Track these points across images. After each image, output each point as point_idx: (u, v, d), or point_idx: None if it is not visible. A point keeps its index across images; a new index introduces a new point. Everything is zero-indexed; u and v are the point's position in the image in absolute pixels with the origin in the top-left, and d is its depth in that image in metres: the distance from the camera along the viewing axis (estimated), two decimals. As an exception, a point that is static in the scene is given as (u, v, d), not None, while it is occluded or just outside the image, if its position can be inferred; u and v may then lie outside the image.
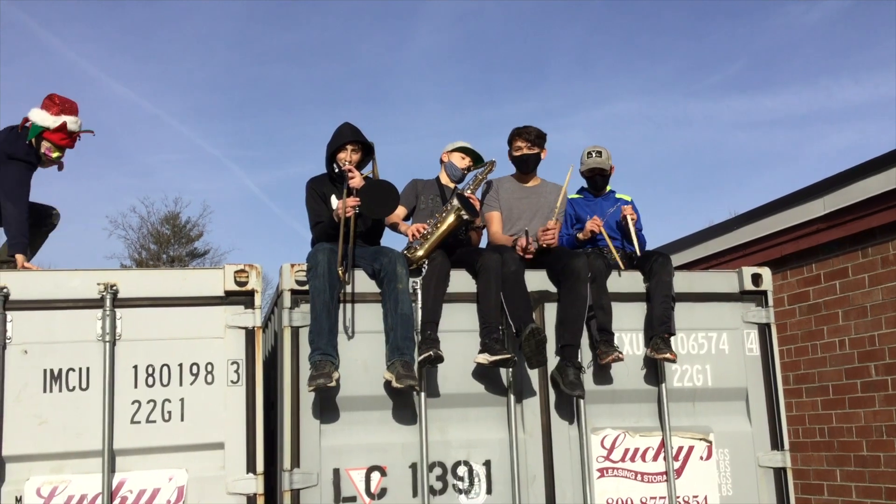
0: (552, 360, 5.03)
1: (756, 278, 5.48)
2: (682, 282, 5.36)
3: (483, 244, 5.78)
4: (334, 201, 5.28)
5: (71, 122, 5.49)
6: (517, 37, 54.76)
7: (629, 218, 5.69)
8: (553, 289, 5.19)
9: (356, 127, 5.41)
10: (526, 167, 5.77)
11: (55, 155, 5.51)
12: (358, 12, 52.66)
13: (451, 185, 5.68)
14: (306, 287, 4.77)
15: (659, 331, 5.06)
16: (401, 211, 5.55)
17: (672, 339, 5.07)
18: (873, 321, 7.55)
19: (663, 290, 5.16)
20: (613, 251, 5.55)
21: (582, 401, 5.02)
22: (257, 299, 4.74)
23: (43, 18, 47.10)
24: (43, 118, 5.45)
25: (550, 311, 5.15)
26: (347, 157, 5.30)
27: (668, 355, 4.96)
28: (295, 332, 4.78)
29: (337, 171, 5.32)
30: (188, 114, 53.22)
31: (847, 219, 7.76)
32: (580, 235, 5.74)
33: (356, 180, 5.15)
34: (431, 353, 4.63)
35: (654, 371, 5.23)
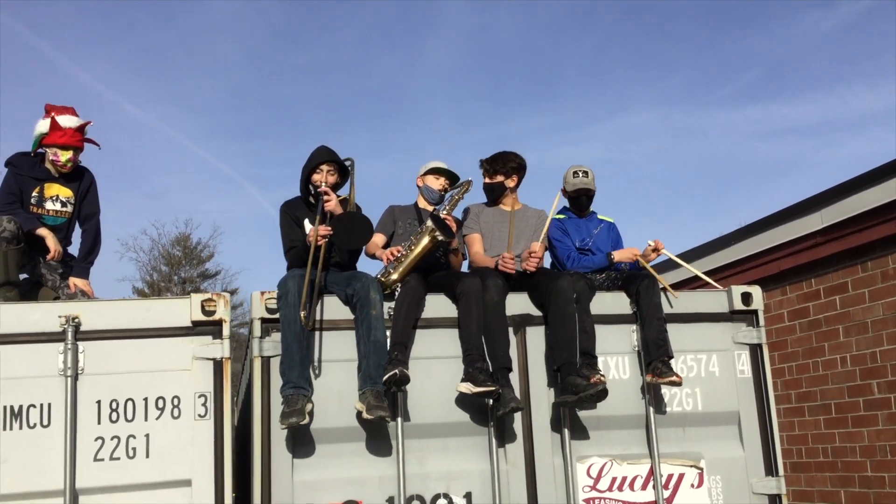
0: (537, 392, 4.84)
1: (746, 297, 5.29)
2: (665, 301, 5.17)
3: (465, 268, 5.60)
4: (308, 225, 5.13)
5: (63, 119, 5.36)
6: (530, 50, 54.82)
7: (655, 248, 5.58)
8: (535, 311, 5.02)
9: (331, 148, 5.26)
10: (490, 197, 5.68)
11: (64, 158, 5.37)
12: (371, 29, 52.92)
13: (430, 208, 5.51)
14: (277, 315, 4.61)
15: (658, 354, 4.89)
16: (379, 239, 5.39)
17: (671, 361, 4.90)
18: (874, 337, 7.34)
19: (655, 313, 4.99)
20: (659, 279, 5.29)
21: (566, 429, 4.84)
22: (225, 329, 4.58)
23: (57, 42, 47.50)
24: (38, 127, 5.37)
25: (533, 335, 4.98)
26: (323, 178, 5.15)
27: (673, 378, 4.78)
28: (266, 362, 4.62)
29: (313, 193, 5.16)
30: (203, 134, 53.50)
31: (846, 232, 7.57)
32: (615, 258, 5.61)
33: (332, 203, 5.00)
34: (396, 371, 4.44)
35: (642, 395, 5.04)
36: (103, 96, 45.14)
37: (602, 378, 4.71)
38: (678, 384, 4.81)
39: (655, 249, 5.56)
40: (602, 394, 4.63)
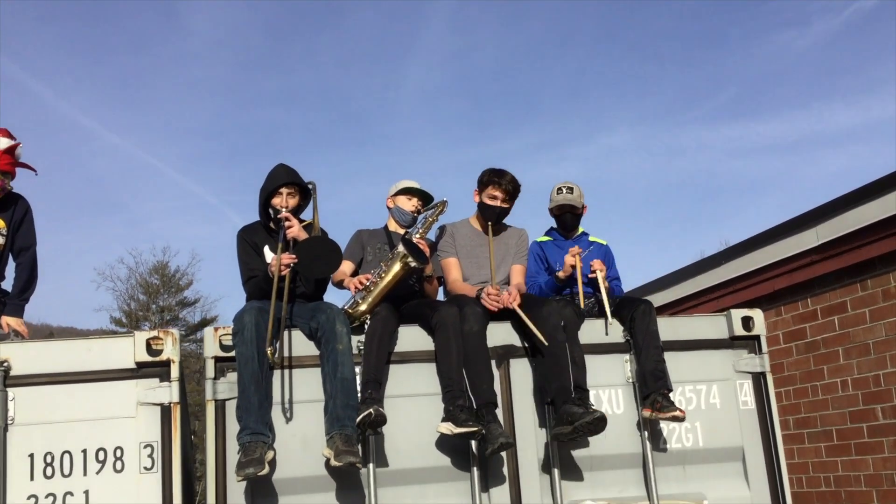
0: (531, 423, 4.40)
1: (747, 321, 4.89)
2: (665, 328, 4.75)
3: (441, 296, 5.15)
4: (268, 254, 4.68)
5: None
6: (510, 72, 55.13)
7: (599, 274, 4.98)
8: (519, 342, 4.59)
9: (292, 168, 4.82)
10: (495, 219, 5.11)
11: None
12: (351, 54, 53.10)
13: (401, 231, 5.07)
14: (233, 353, 4.15)
15: (656, 387, 4.47)
16: (346, 266, 4.94)
17: (671, 394, 4.48)
18: (877, 359, 6.94)
19: (652, 342, 4.57)
20: (581, 297, 4.93)
21: (556, 470, 4.40)
22: (174, 370, 4.10)
23: (34, 70, 47.18)
24: None
25: (518, 367, 4.54)
26: (283, 202, 4.70)
27: (676, 413, 4.36)
28: (220, 406, 4.16)
29: (273, 217, 4.71)
30: (182, 160, 53.35)
31: (843, 249, 7.19)
32: (560, 274, 5.10)
33: (294, 229, 4.56)
34: (371, 410, 3.99)
35: (638, 432, 4.60)
36: (81, 124, 44.84)
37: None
38: (681, 420, 4.38)
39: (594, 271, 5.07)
40: (601, 422, 4.20)
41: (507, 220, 5.21)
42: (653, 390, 4.49)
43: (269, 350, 4.05)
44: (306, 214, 4.86)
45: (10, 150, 4.90)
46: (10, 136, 4.91)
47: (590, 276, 4.98)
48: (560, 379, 4.35)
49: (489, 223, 5.03)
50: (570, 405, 4.25)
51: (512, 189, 5.02)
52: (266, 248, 4.73)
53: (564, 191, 5.33)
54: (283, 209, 4.67)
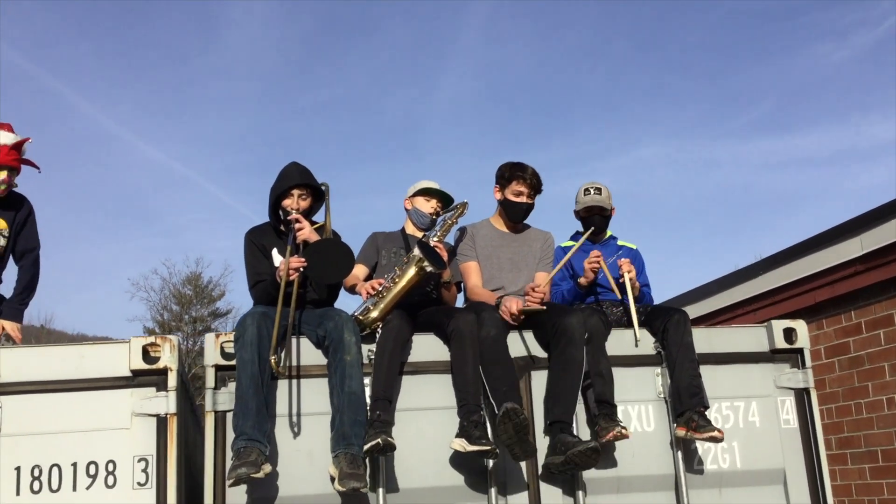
0: (541, 446, 4.08)
1: (789, 333, 4.53)
2: (701, 340, 4.43)
3: (460, 303, 4.85)
4: (277, 257, 4.42)
5: None
6: (543, 84, 54.87)
7: (627, 276, 4.62)
8: (542, 353, 4.28)
9: (305, 168, 4.56)
10: (521, 217, 4.84)
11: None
12: (384, 66, 53.30)
13: (419, 234, 4.78)
14: (234, 361, 3.88)
15: (692, 404, 4.14)
16: (360, 270, 4.67)
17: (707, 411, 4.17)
18: (927, 376, 6.52)
19: (687, 355, 4.24)
20: (633, 311, 4.51)
21: (580, 493, 4.07)
22: (171, 379, 3.84)
23: (74, 83, 47.84)
24: None
25: (539, 380, 4.23)
26: (294, 203, 4.44)
27: (714, 433, 4.03)
28: (221, 418, 3.90)
29: (283, 219, 4.45)
30: (216, 173, 53.78)
31: (890, 259, 6.77)
32: (582, 280, 4.74)
33: (305, 231, 4.29)
34: (379, 440, 3.69)
35: (670, 452, 4.27)
36: (118, 136, 45.39)
37: (622, 431, 3.95)
38: (719, 440, 4.04)
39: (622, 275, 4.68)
40: (594, 453, 3.86)
41: (530, 223, 4.92)
42: (688, 407, 4.16)
43: (272, 359, 3.77)
44: (319, 217, 4.60)
45: (17, 146, 4.67)
46: (13, 131, 4.70)
47: (619, 280, 4.64)
48: (565, 406, 4.06)
49: (515, 222, 4.75)
50: (565, 435, 3.95)
51: (536, 183, 4.74)
52: (274, 251, 4.47)
53: (592, 191, 4.98)
54: (294, 211, 4.41)
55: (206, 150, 51.73)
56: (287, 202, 4.45)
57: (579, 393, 4.09)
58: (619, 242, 5.09)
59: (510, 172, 4.75)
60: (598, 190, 4.97)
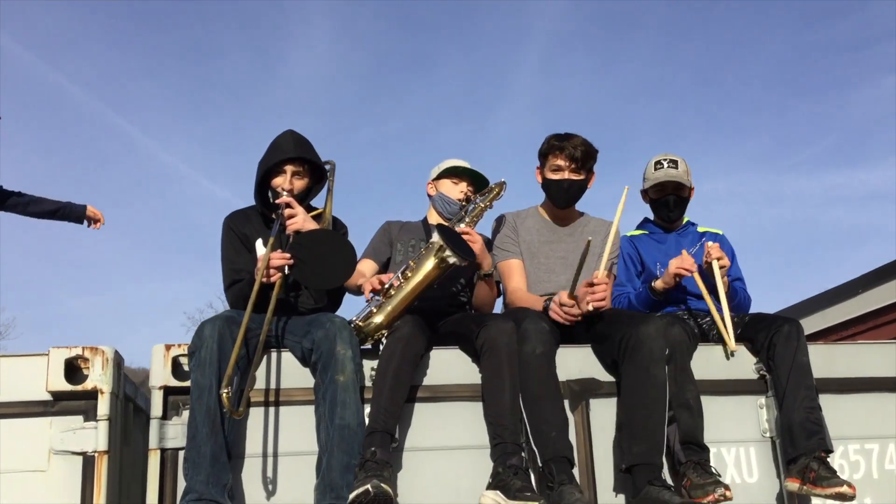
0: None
1: (940, 352, 3.38)
2: (820, 360, 3.31)
3: (498, 309, 3.78)
4: (261, 249, 3.42)
5: None
6: (600, 119, 54.20)
7: (715, 261, 3.52)
8: (604, 375, 3.21)
9: (303, 138, 3.58)
10: (565, 199, 3.73)
11: None
12: (440, 102, 53.37)
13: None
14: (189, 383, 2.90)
15: (809, 447, 3.04)
16: (367, 266, 3.67)
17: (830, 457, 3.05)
18: None
19: (802, 380, 3.14)
20: (715, 315, 3.47)
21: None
22: (103, 405, 2.87)
23: (139, 123, 48.99)
24: None
25: (601, 411, 3.16)
26: (286, 182, 3.46)
27: (842, 489, 2.88)
28: (170, 457, 2.90)
29: (271, 202, 3.48)
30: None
31: None
32: (658, 284, 3.63)
33: (297, 220, 3.31)
34: (369, 487, 2.63)
35: (780, 510, 3.14)
36: (180, 172, 46.11)
37: (725, 494, 2.83)
38: (849, 499, 2.89)
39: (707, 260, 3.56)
40: None
41: (589, 210, 3.85)
42: (803, 451, 3.04)
43: (223, 393, 2.73)
44: (319, 202, 3.62)
45: None
46: None
47: (704, 266, 3.54)
48: (649, 443, 2.97)
49: (559, 207, 3.70)
50: (657, 487, 2.85)
51: (582, 155, 3.62)
52: (259, 243, 3.47)
53: (666, 164, 3.84)
54: (285, 192, 3.42)
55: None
56: (277, 181, 3.47)
57: (665, 425, 2.99)
58: (700, 229, 3.96)
59: (547, 145, 3.70)
60: (674, 163, 3.83)
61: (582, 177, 3.67)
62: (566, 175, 3.65)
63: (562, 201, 3.70)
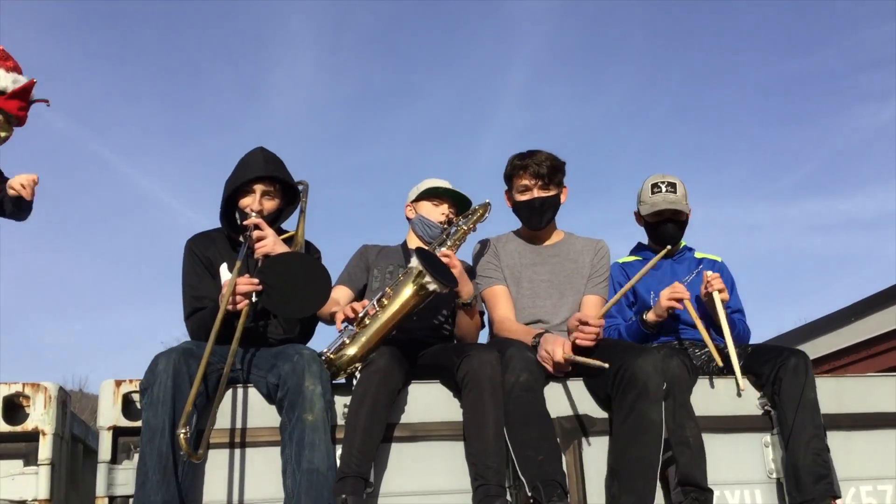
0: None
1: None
2: (826, 394, 3.08)
3: (484, 338, 3.53)
4: (226, 275, 3.17)
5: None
6: (582, 148, 54.58)
7: (716, 289, 3.27)
8: (597, 411, 2.97)
9: (274, 156, 3.33)
10: (538, 219, 3.51)
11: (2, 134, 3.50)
12: (425, 129, 53.64)
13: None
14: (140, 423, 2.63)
15: (817, 493, 2.81)
16: (342, 295, 3.41)
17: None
18: None
19: (810, 418, 2.91)
20: (712, 347, 3.23)
21: None
22: (44, 448, 2.60)
23: (119, 149, 48.78)
24: None
25: (595, 451, 2.91)
26: (255, 203, 3.21)
27: None
28: (121, 506, 2.62)
29: (238, 224, 3.22)
30: (258, 236, 55.71)
31: None
32: (650, 317, 3.36)
33: (266, 243, 3.06)
34: None
35: (789, 560, 2.89)
36: (162, 201, 45.93)
37: None
38: None
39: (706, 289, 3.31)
40: None
41: (577, 230, 3.63)
42: (811, 497, 2.81)
43: (181, 433, 2.46)
44: (290, 225, 3.38)
45: (24, 93, 3.52)
46: (18, 69, 3.52)
47: (703, 296, 3.31)
48: (638, 485, 2.74)
49: (533, 228, 3.48)
50: None
51: (548, 170, 3.40)
52: (223, 268, 3.21)
53: (664, 188, 3.58)
54: (253, 213, 3.17)
55: (249, 213, 53.43)
56: (246, 201, 3.22)
57: (658, 470, 2.75)
58: (698, 255, 3.71)
59: (510, 167, 3.49)
60: (672, 186, 3.58)
61: (552, 192, 3.45)
62: (535, 194, 3.44)
63: (535, 221, 3.48)
